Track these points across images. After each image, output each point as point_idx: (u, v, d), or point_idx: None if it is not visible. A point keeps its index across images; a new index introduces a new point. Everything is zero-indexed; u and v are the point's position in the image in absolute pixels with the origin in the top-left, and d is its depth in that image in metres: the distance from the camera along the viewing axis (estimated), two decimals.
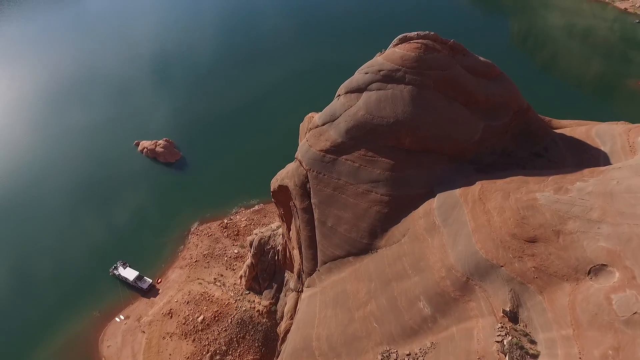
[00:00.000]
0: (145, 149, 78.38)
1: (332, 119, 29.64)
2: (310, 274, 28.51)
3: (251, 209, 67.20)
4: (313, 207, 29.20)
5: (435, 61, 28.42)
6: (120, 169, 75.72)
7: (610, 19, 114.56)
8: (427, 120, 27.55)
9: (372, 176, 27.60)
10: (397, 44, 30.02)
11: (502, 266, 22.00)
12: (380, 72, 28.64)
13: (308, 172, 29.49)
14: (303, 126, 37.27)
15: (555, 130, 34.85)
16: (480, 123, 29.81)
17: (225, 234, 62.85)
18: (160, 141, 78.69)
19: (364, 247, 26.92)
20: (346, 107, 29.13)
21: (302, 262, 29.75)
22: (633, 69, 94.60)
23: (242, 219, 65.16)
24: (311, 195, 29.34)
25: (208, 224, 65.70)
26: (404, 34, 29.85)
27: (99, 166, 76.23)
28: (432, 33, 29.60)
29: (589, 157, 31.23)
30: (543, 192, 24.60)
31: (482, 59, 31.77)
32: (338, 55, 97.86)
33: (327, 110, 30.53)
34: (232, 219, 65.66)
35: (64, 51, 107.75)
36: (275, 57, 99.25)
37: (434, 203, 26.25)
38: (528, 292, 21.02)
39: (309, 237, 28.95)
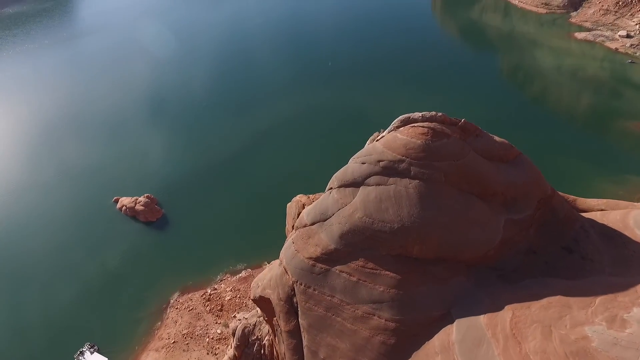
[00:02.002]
0: (124, 207, 72.60)
1: (323, 218, 24.50)
2: None
3: (237, 277, 60.89)
4: (301, 329, 23.53)
5: (446, 149, 23.69)
6: (95, 229, 69.58)
7: (600, 58, 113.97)
8: (440, 224, 22.45)
9: (374, 295, 22.14)
10: (398, 126, 25.35)
11: None
12: (380, 162, 23.80)
13: (295, 284, 24.02)
14: (290, 209, 32.05)
15: (583, 214, 30.02)
16: (501, 219, 24.77)
17: (208, 308, 56.21)
18: (140, 198, 73.07)
19: None
20: (340, 204, 24.06)
21: None
22: (626, 107, 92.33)
23: (227, 289, 58.71)
24: (299, 314, 23.72)
25: (189, 295, 59.10)
26: (407, 115, 25.25)
27: (71, 227, 70.09)
28: (440, 114, 25.04)
29: (631, 253, 26.24)
30: (593, 326, 19.37)
31: (497, 138, 27.17)
32: (335, 102, 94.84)
33: (318, 206, 25.41)
34: (216, 289, 59.16)
35: (44, 96, 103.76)
36: (270, 105, 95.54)
37: (452, 334, 20.72)
38: None
39: None
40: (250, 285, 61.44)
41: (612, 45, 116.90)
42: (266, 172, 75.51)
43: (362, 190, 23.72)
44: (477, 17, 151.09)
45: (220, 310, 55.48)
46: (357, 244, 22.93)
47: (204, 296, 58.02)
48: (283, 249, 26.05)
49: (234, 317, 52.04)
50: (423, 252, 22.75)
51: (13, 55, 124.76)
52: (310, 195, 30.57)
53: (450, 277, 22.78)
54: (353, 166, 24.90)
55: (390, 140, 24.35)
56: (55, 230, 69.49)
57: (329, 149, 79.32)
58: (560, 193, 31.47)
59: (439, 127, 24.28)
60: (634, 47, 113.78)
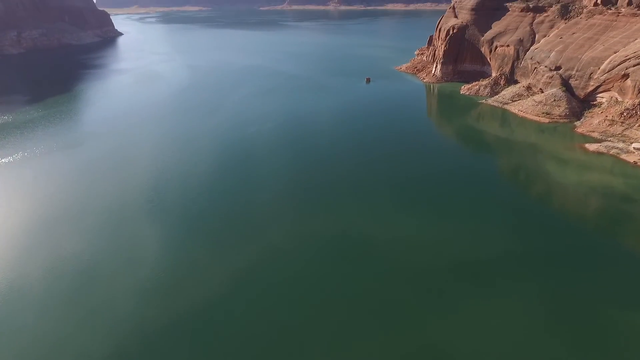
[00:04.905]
0: None
1: None
2: None
3: None
4: None
5: None
6: None
7: (619, 173, 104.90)
8: None
9: None
10: None
11: None
12: None
13: None
14: None
15: None
16: None
17: None
18: None
19: None
20: None
21: None
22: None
23: None
24: None
25: None
26: None
27: None
28: None
29: None
30: None
31: None
32: (332, 227, 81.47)
33: None
34: None
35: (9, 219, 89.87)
36: (257, 233, 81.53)
37: None
38: None
39: None
40: None
41: (629, 158, 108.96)
42: (251, 330, 58.24)
43: None
44: (473, 123, 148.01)
45: None
46: None
47: None
48: None
49: None
50: None
51: None
52: None
53: None
54: None
55: None
56: None
57: (328, 293, 63.55)
58: None
59: None
60: None
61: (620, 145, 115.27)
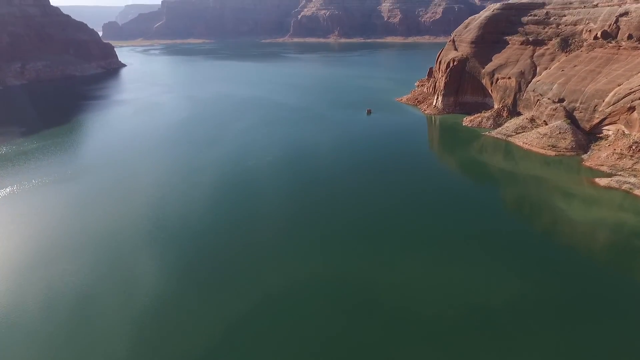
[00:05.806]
0: None
1: None
2: None
3: None
4: None
5: None
6: None
7: (626, 207, 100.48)
8: None
9: None
10: None
11: None
12: None
13: None
14: None
15: None
16: None
17: None
18: None
19: None
20: None
21: None
22: None
23: None
24: None
25: None
26: None
27: None
28: None
29: None
30: None
31: None
32: (334, 271, 76.06)
33: None
34: None
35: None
36: (253, 277, 76.41)
37: None
38: None
39: None
40: None
41: None
42: None
43: None
44: (477, 156, 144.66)
45: None
46: None
47: None
48: None
49: None
50: None
51: None
52: None
53: None
54: None
55: None
56: None
57: (326, 348, 57.41)
58: None
59: None
60: None
61: (632, 180, 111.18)
